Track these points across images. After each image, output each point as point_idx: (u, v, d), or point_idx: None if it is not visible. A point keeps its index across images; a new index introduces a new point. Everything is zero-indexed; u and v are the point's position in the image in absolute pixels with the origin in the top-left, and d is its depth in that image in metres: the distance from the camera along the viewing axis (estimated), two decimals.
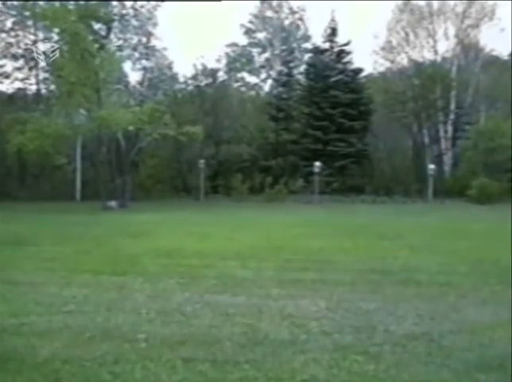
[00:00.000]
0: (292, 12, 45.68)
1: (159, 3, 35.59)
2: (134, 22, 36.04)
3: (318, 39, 41.96)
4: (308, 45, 44.52)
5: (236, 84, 45.85)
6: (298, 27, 46.01)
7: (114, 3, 34.77)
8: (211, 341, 4.76)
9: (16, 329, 5.16)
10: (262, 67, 46.51)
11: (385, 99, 40.56)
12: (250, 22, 46.06)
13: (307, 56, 43.40)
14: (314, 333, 5.05)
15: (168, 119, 27.59)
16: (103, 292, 6.83)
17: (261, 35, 46.21)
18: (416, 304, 6.21)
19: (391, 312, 5.83)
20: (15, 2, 33.54)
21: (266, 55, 46.40)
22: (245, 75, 46.46)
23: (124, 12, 35.50)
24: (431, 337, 4.93)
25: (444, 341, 4.83)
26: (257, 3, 45.87)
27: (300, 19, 45.76)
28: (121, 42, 36.30)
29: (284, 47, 44.96)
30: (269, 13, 45.76)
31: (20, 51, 35.34)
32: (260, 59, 46.57)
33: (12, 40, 35.04)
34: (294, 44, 45.46)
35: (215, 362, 4.26)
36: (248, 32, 46.10)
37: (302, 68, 43.64)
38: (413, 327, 5.27)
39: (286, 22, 45.77)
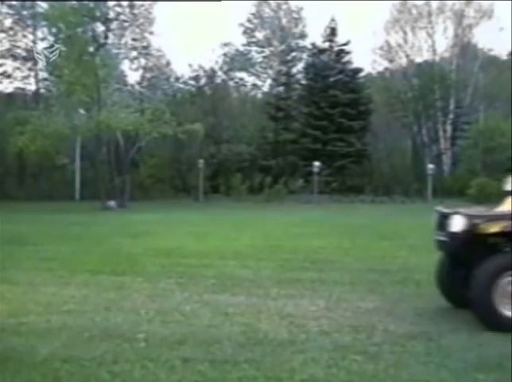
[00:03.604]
0: (290, 11, 45.63)
1: (155, 2, 35.54)
2: (132, 21, 35.92)
3: (317, 39, 41.93)
4: (305, 44, 44.49)
5: (235, 84, 45.77)
6: (296, 26, 45.94)
7: (111, 3, 34.72)
8: (211, 341, 4.75)
9: (15, 329, 5.15)
10: (261, 66, 46.43)
11: (387, 98, 40.51)
12: (249, 21, 46.01)
13: (305, 55, 43.35)
14: (313, 332, 5.05)
15: (168, 118, 27.52)
16: (102, 292, 6.82)
17: (259, 34, 46.18)
18: (415, 303, 6.21)
19: (390, 311, 5.83)
20: (14, 2, 33.52)
21: (265, 54, 46.33)
22: (244, 74, 46.41)
23: (121, 11, 35.40)
24: (430, 336, 4.93)
25: (443, 340, 4.83)
26: (255, 2, 45.85)
27: (297, 18, 45.68)
28: (118, 41, 36.19)
29: (283, 46, 44.89)
30: (267, 13, 45.68)
31: (19, 51, 35.32)
32: (259, 58, 46.51)
33: (11, 39, 35.01)
34: (292, 43, 45.39)
35: (214, 362, 4.25)
36: (247, 31, 46.03)
37: (300, 66, 43.64)
38: (411, 327, 5.27)
39: (284, 21, 45.68)
